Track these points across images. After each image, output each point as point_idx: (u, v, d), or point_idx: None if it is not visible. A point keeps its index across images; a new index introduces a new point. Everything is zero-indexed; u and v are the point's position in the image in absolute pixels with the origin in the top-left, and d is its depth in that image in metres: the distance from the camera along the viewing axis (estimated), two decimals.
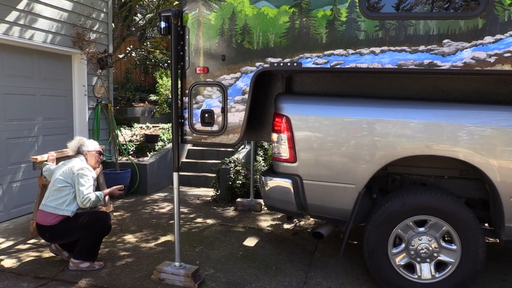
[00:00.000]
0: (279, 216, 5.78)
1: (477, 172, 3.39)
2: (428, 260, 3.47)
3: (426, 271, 3.47)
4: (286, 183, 3.70)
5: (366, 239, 3.56)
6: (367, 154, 3.49)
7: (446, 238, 3.51)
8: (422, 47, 3.20)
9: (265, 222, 5.59)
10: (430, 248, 3.45)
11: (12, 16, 5.41)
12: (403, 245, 3.52)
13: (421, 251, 3.46)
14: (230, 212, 6.14)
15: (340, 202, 3.62)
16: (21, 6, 5.53)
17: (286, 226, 5.39)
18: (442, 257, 3.45)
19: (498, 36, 3.06)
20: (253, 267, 4.12)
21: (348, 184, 3.57)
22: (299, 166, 3.67)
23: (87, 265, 3.98)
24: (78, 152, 4.28)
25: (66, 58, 6.56)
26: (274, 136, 3.73)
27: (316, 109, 3.66)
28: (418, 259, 3.48)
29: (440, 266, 3.48)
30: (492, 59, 3.09)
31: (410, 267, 3.53)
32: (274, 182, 3.79)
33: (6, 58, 5.54)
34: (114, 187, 4.35)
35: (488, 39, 3.08)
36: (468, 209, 3.40)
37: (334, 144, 3.57)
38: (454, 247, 3.42)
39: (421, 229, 3.49)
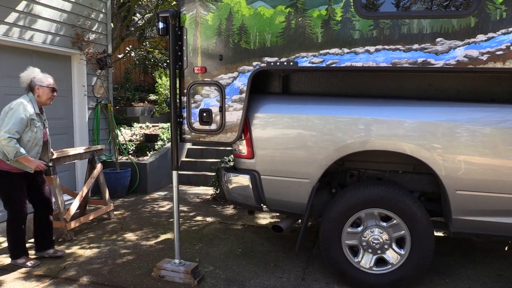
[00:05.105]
0: (277, 214, 5.83)
1: (426, 166, 3.48)
2: (386, 246, 3.56)
3: (393, 255, 3.56)
4: (245, 178, 3.85)
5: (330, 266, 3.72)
6: (319, 150, 3.62)
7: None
8: (416, 46, 3.25)
9: (264, 220, 5.64)
10: (381, 239, 3.55)
11: (12, 17, 5.46)
12: (361, 250, 3.62)
13: (374, 244, 3.56)
14: (230, 210, 6.19)
15: (296, 196, 3.76)
16: (20, 7, 5.58)
17: None
18: (395, 234, 3.54)
19: (490, 35, 3.10)
20: (252, 264, 4.17)
21: (303, 179, 3.70)
22: (257, 162, 3.81)
23: (22, 262, 4.07)
24: (30, 85, 4.01)
25: (65, 58, 6.61)
26: None
27: (271, 107, 3.79)
28: (379, 252, 3.57)
29: (401, 243, 3.57)
30: (484, 57, 3.13)
31: (381, 261, 3.62)
32: (234, 178, 3.96)
33: (6, 59, 5.59)
34: (41, 161, 4.02)
35: (480, 37, 3.13)
36: (377, 184, 3.57)
37: (288, 141, 3.71)
38: (394, 221, 3.52)
39: (359, 229, 3.61)
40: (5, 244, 4.63)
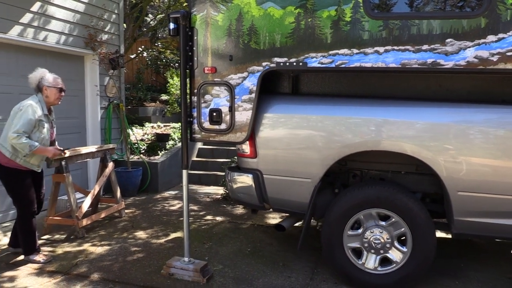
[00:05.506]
0: (286, 214, 5.83)
1: (427, 167, 3.46)
2: (388, 245, 3.56)
3: (396, 254, 3.56)
4: (248, 177, 3.90)
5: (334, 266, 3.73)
6: (320, 150, 3.64)
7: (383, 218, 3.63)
8: (425, 46, 3.24)
9: (273, 219, 5.66)
10: (382, 239, 3.56)
11: (26, 18, 5.55)
12: (364, 252, 3.62)
13: (375, 244, 3.57)
14: (239, 209, 6.22)
15: (298, 196, 3.79)
16: (34, 8, 5.67)
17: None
18: (396, 232, 3.54)
19: (500, 35, 3.08)
20: (260, 263, 4.19)
21: (304, 178, 3.73)
22: (259, 161, 3.85)
23: (34, 257, 4.13)
24: (38, 86, 4.11)
25: (78, 58, 6.70)
26: None
27: (273, 107, 3.82)
28: (382, 251, 3.57)
29: (403, 241, 3.56)
30: (495, 58, 3.11)
31: (386, 260, 3.61)
32: (237, 177, 4.01)
33: (21, 59, 5.69)
34: (55, 148, 4.25)
35: (490, 38, 3.11)
36: (371, 185, 3.60)
37: (290, 141, 3.74)
38: (393, 219, 3.52)
39: (360, 230, 3.62)
40: None
